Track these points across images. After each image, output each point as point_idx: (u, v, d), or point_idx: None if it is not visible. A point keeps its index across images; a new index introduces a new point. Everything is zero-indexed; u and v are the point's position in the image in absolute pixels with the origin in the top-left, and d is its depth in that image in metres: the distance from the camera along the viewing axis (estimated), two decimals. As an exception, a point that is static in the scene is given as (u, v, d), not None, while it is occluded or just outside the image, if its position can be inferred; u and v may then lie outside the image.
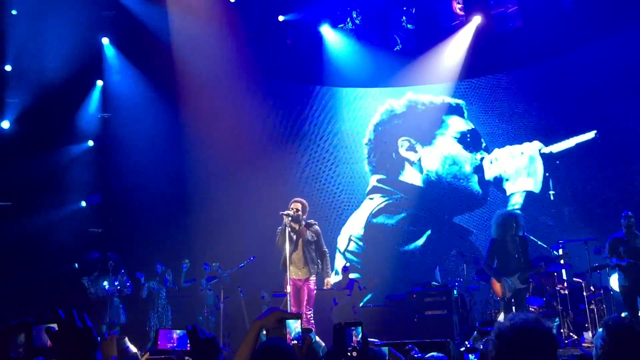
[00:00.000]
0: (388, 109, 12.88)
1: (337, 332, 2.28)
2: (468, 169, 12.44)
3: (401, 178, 12.74)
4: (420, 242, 12.44)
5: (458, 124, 12.63)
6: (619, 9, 10.50)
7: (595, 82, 11.14)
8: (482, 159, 12.40)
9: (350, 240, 12.63)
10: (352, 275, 11.35)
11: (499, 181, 12.29)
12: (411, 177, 12.71)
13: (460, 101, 12.63)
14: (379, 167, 12.84)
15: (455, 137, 12.58)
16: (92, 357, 1.56)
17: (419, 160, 12.66)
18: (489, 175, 12.35)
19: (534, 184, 12.05)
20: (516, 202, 12.04)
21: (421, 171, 12.65)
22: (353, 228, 12.74)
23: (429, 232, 12.46)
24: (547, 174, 11.88)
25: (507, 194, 12.20)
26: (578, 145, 11.56)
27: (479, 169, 12.41)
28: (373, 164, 12.87)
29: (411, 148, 12.71)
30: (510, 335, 2.04)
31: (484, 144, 12.46)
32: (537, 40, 11.20)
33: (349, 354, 2.22)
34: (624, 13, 10.53)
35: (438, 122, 12.66)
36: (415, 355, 4.21)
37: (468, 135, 12.55)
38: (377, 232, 12.57)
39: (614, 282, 8.82)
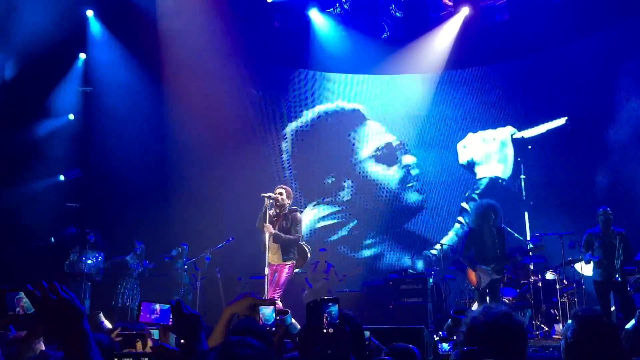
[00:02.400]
0: (296, 129, 12.81)
1: (312, 310, 2.23)
2: (395, 184, 12.61)
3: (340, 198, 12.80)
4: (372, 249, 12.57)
5: (369, 141, 12.73)
6: (605, 7, 10.60)
7: (571, 74, 11.34)
8: (404, 167, 12.54)
9: None
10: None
11: (471, 166, 12.47)
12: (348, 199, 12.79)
13: (356, 105, 12.72)
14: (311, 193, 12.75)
15: (373, 157, 12.69)
16: (78, 327, 1.54)
17: (351, 193, 12.69)
18: (462, 159, 12.51)
19: (504, 170, 12.24)
20: (480, 185, 12.25)
21: (354, 196, 12.73)
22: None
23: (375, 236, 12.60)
24: (518, 159, 12.04)
25: (477, 178, 12.41)
26: (549, 131, 11.73)
27: (403, 180, 12.57)
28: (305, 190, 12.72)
29: (339, 183, 12.70)
30: (482, 330, 2.04)
31: (395, 144, 12.59)
32: (521, 34, 11.30)
33: (324, 331, 2.17)
34: (609, 11, 10.64)
35: (347, 145, 12.72)
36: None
37: (382, 151, 12.68)
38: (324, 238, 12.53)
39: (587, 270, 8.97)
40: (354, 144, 12.80)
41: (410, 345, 3.52)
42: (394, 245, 12.52)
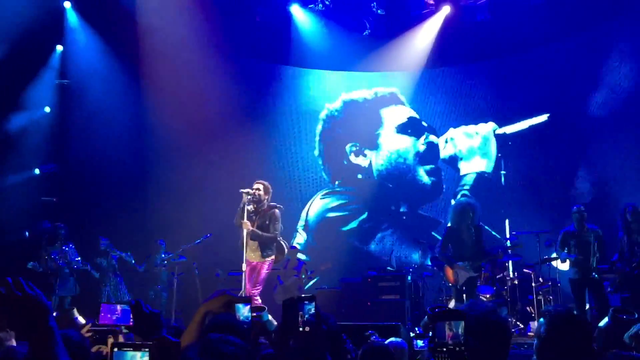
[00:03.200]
0: (327, 114, 12.92)
1: (288, 308, 2.22)
2: (415, 158, 12.62)
3: (357, 179, 12.86)
4: (377, 237, 12.58)
5: (395, 115, 12.78)
6: (586, 7, 10.72)
7: (552, 72, 11.47)
8: (427, 142, 12.57)
9: (297, 232, 12.53)
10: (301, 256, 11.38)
11: (454, 160, 12.51)
12: (365, 179, 12.78)
13: (393, 89, 12.81)
14: (335, 175, 12.88)
15: (396, 129, 12.73)
16: (43, 324, 1.51)
17: (370, 164, 12.75)
18: (444, 154, 12.56)
19: (487, 165, 12.30)
20: (468, 182, 12.29)
21: (373, 173, 12.74)
22: (302, 221, 12.69)
23: (387, 228, 12.59)
24: (499, 155, 12.13)
25: (461, 173, 12.46)
26: (531, 127, 11.82)
27: (427, 155, 12.58)
28: (329, 173, 12.90)
29: (360, 153, 12.78)
30: (472, 324, 2.07)
31: (425, 125, 12.64)
32: (502, 34, 11.39)
33: (300, 329, 2.15)
34: (590, 11, 10.76)
35: (377, 119, 12.80)
36: (374, 339, 4.24)
37: (407, 124, 12.72)
38: (330, 229, 12.56)
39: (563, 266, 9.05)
40: (381, 119, 12.84)
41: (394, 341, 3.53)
42: (405, 238, 12.44)
